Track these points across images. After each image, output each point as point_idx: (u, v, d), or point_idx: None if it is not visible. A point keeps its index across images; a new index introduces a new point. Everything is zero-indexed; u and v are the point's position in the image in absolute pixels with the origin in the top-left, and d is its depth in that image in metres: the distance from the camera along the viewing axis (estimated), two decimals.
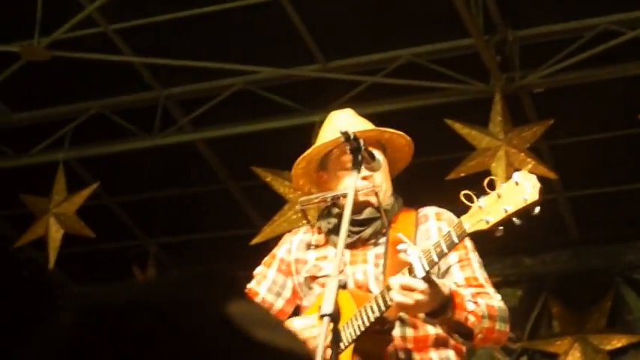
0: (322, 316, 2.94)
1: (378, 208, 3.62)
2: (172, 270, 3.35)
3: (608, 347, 8.01)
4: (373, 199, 3.63)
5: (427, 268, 3.21)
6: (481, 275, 3.54)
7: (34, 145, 7.97)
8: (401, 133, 3.77)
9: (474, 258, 3.57)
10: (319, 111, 7.36)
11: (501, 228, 3.12)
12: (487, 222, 3.14)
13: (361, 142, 3.46)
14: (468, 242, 3.54)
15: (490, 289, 3.51)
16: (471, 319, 3.32)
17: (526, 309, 8.17)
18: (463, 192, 3.23)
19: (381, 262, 3.56)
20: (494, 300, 3.46)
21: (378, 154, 3.63)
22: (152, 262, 8.90)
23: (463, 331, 3.36)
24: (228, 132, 7.71)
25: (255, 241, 7.67)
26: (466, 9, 6.26)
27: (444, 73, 7.02)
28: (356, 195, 3.52)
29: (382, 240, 3.60)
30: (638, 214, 7.75)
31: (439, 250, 3.24)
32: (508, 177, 3.24)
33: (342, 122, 3.72)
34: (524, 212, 3.09)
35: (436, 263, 3.27)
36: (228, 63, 7.20)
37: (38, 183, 7.94)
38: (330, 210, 3.72)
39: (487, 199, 3.15)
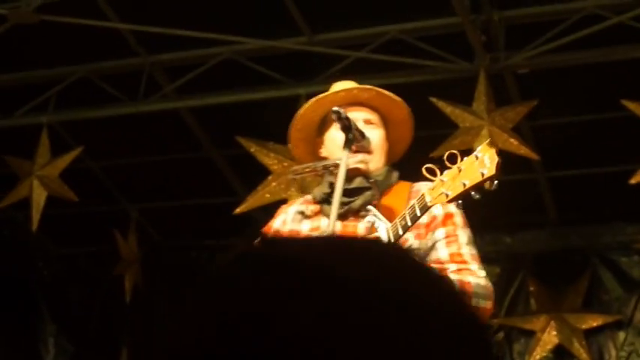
0: None
1: (368, 178, 3.62)
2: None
3: (584, 326, 8.10)
4: (363, 167, 3.63)
5: (393, 242, 3.27)
6: (467, 252, 3.51)
7: (19, 108, 7.97)
8: (399, 100, 3.78)
9: (463, 234, 3.54)
10: (304, 83, 7.41)
11: (496, 183, 3.12)
12: (447, 196, 3.17)
13: (352, 120, 3.50)
14: (457, 218, 3.55)
15: (473, 266, 3.48)
16: None
17: (504, 286, 8.25)
18: (426, 165, 3.25)
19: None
20: (473, 276, 3.44)
21: (374, 120, 3.70)
22: (133, 227, 8.93)
23: None
24: (213, 101, 7.73)
25: (238, 210, 7.70)
26: None
27: (430, 51, 7.04)
28: (346, 163, 3.56)
29: None
30: (616, 196, 7.81)
31: (404, 224, 3.29)
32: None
33: (342, 85, 3.78)
34: (482, 186, 3.10)
35: (401, 236, 3.30)
36: (216, 32, 7.21)
37: (22, 145, 7.94)
38: (324, 179, 3.71)
39: (449, 173, 3.18)
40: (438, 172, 3.21)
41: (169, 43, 7.47)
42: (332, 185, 3.61)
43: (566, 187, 8.06)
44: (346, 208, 3.60)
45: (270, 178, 7.62)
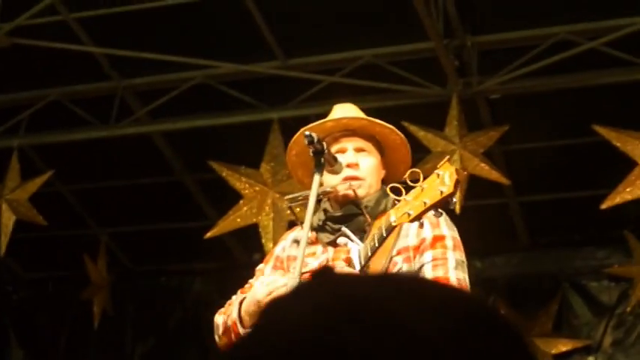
0: None
1: (357, 205, 3.60)
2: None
3: (554, 351, 8.13)
4: (351, 193, 3.60)
5: (362, 263, 3.31)
6: (454, 276, 3.44)
7: None
8: (391, 127, 3.74)
9: (452, 257, 3.46)
10: (277, 108, 7.42)
11: (455, 200, 3.17)
12: (409, 215, 3.18)
13: (324, 144, 3.50)
14: (448, 241, 3.49)
15: None
16: None
17: None
18: (390, 185, 3.29)
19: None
20: None
21: (366, 148, 3.67)
22: (103, 252, 8.88)
23: None
24: (185, 125, 7.72)
25: (209, 235, 7.68)
26: (427, 13, 6.31)
27: (403, 76, 7.08)
28: (336, 190, 3.58)
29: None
30: (587, 221, 7.85)
31: (372, 244, 3.30)
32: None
33: (340, 111, 3.76)
34: (443, 203, 3.12)
35: (371, 257, 3.31)
36: (188, 57, 7.21)
37: None
38: (320, 206, 3.69)
39: (413, 192, 3.19)
40: (404, 191, 3.22)
41: (142, 67, 7.47)
42: (327, 212, 3.62)
43: (537, 212, 8.10)
44: (338, 234, 3.60)
45: (241, 202, 7.61)
